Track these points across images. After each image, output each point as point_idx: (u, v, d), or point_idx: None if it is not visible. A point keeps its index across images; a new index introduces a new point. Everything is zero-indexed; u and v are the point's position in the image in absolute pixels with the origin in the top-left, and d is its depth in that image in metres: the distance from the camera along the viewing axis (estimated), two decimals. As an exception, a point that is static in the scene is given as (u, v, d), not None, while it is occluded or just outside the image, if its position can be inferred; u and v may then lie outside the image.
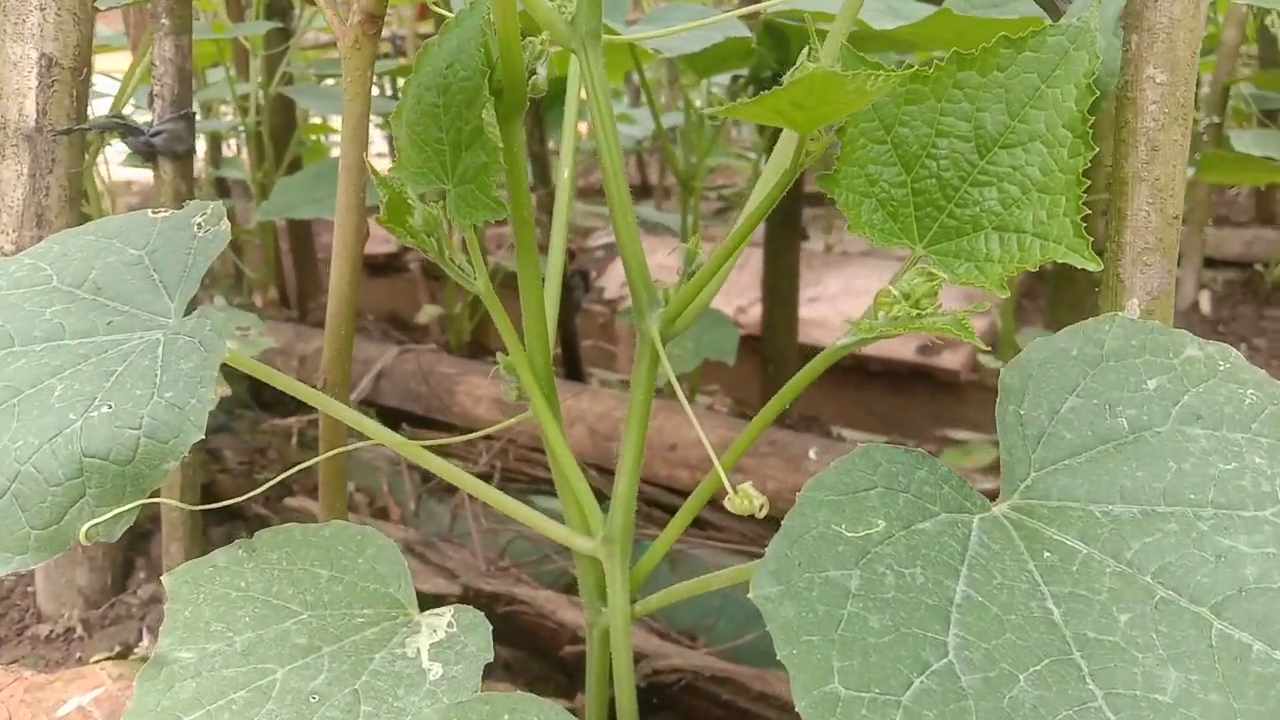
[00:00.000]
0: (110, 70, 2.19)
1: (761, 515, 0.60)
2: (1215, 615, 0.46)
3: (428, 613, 0.61)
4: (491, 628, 0.58)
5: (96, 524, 0.58)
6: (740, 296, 2.73)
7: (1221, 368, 0.56)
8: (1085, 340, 0.57)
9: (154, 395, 0.60)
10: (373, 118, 1.04)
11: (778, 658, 0.42)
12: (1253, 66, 2.78)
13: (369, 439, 0.74)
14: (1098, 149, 0.58)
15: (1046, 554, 0.49)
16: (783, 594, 0.44)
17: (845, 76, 0.50)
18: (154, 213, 0.78)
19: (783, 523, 0.47)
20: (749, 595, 0.44)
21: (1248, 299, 2.91)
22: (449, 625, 0.58)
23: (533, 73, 0.74)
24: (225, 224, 0.74)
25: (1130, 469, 0.52)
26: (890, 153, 0.62)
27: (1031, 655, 0.44)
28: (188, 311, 0.70)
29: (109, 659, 1.16)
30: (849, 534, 0.46)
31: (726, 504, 0.61)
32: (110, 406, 0.60)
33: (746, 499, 0.61)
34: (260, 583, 0.61)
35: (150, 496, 0.60)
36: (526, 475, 1.66)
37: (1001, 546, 0.49)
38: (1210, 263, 2.98)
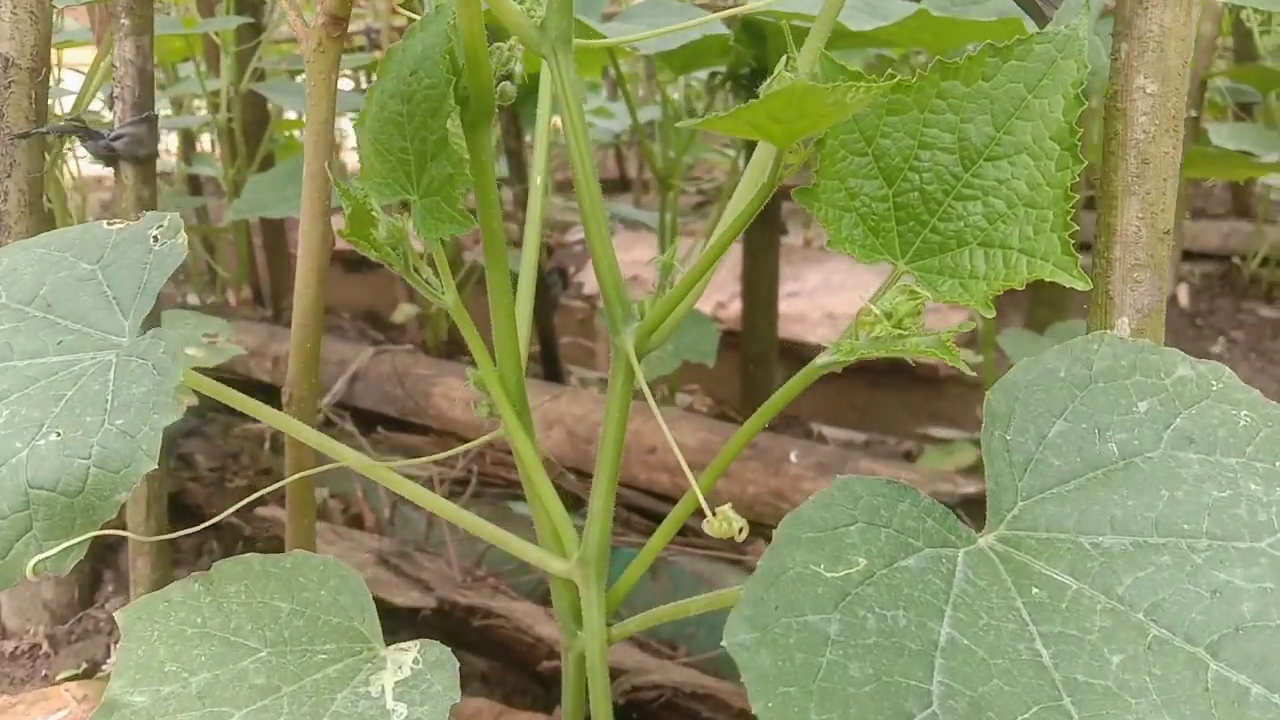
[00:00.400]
0: (79, 64, 2.15)
1: (741, 539, 0.58)
2: (1211, 656, 0.44)
3: (392, 648, 0.58)
4: (459, 665, 0.55)
5: (44, 558, 0.56)
6: (720, 291, 2.71)
7: (1214, 388, 0.54)
8: (1073, 360, 0.55)
9: (105, 422, 0.57)
10: (349, 114, 1.01)
11: (753, 712, 0.40)
12: (1228, 60, 2.78)
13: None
14: (1086, 162, 0.56)
15: (1035, 590, 0.47)
16: (758, 641, 0.42)
17: (825, 89, 0.48)
18: (109, 224, 0.75)
19: (759, 564, 0.45)
20: (723, 644, 0.41)
21: (1225, 292, 2.91)
22: (414, 662, 0.56)
23: (504, 78, 0.71)
24: (183, 237, 0.71)
25: (1121, 497, 0.50)
26: (871, 165, 0.60)
27: (1019, 702, 0.42)
28: (143, 329, 0.67)
29: (74, 678, 1.13)
30: (828, 574, 0.44)
31: (705, 527, 0.59)
32: (59, 434, 0.57)
33: (725, 522, 0.59)
34: (218, 618, 0.58)
35: (113, 514, 0.57)
36: (503, 479, 1.64)
37: (988, 583, 0.47)
38: (1188, 255, 2.98)
